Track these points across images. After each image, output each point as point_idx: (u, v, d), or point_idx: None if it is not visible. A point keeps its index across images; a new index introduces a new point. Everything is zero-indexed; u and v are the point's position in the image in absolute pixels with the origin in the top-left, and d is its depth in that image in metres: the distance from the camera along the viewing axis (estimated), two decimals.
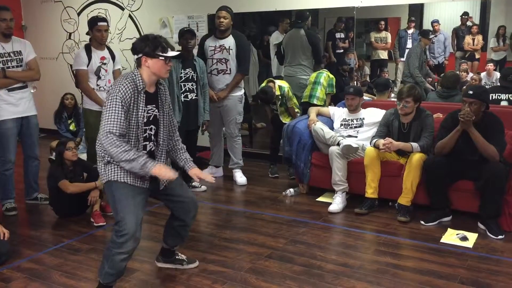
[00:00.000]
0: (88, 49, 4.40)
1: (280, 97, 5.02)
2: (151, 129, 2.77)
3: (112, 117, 2.55)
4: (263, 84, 5.10)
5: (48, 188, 4.22)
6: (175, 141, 2.99)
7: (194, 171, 2.92)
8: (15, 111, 4.22)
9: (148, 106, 2.71)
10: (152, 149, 2.80)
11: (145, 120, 2.70)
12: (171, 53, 2.66)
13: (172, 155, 3.01)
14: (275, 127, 5.28)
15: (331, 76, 5.22)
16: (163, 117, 2.81)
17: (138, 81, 2.64)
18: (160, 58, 2.63)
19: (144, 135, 2.73)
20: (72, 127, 6.13)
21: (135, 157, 2.53)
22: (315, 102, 5.06)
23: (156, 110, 2.77)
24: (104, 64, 4.43)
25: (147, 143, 2.76)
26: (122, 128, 2.57)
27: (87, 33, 4.49)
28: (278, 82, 5.04)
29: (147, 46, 2.63)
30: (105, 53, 4.49)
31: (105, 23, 4.42)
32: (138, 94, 2.64)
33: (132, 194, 2.68)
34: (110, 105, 2.57)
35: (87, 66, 4.36)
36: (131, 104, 2.61)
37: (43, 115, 5.23)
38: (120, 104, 2.56)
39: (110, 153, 2.56)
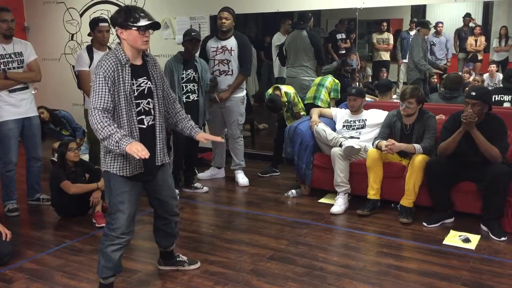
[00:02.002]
0: (89, 50, 4.40)
1: (286, 103, 5.01)
2: (148, 103, 2.71)
3: (96, 93, 2.54)
4: (270, 91, 5.07)
5: (50, 189, 4.22)
6: (177, 112, 2.95)
7: (201, 135, 2.93)
8: (16, 112, 4.23)
9: (139, 80, 2.67)
10: (150, 123, 2.73)
11: (136, 93, 2.65)
12: (142, 22, 2.58)
13: (179, 126, 2.96)
14: (280, 129, 5.27)
15: (337, 81, 5.21)
16: (157, 89, 2.76)
17: (120, 55, 2.62)
18: (133, 28, 2.58)
19: (138, 109, 2.67)
20: (64, 132, 6.10)
21: (110, 133, 2.46)
22: (319, 104, 5.04)
23: (149, 83, 2.72)
24: None
25: (144, 117, 2.70)
26: (105, 103, 2.53)
27: (89, 34, 4.49)
28: (284, 88, 5.02)
29: (120, 17, 2.61)
30: None
31: (106, 24, 4.42)
32: (122, 67, 2.60)
33: (128, 188, 2.69)
34: (94, 82, 2.56)
35: (89, 67, 4.37)
36: (116, 78, 2.57)
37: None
38: (103, 79, 2.54)
39: (93, 129, 2.52)
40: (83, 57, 4.38)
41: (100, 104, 2.52)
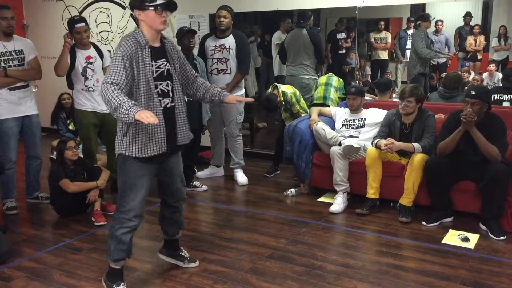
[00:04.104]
0: (72, 50, 4.33)
1: (283, 102, 5.00)
2: (167, 85, 2.74)
3: (111, 69, 2.56)
4: (269, 90, 5.07)
5: (49, 187, 4.22)
6: (201, 85, 2.97)
7: (230, 97, 2.98)
8: (16, 110, 4.22)
9: (158, 61, 2.71)
10: (169, 105, 2.75)
11: (155, 74, 2.68)
12: (159, 1, 2.61)
13: (207, 96, 2.97)
14: (282, 127, 5.26)
15: (341, 80, 5.22)
16: (175, 71, 2.80)
17: (139, 37, 2.65)
18: (150, 8, 2.60)
19: (156, 90, 2.69)
20: (71, 126, 6.13)
21: (120, 103, 2.41)
22: (330, 104, 5.03)
23: (168, 65, 2.75)
24: (91, 63, 4.37)
25: (162, 99, 2.72)
26: (117, 77, 2.53)
27: (68, 35, 4.33)
28: (282, 88, 5.00)
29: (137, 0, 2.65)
30: (91, 52, 4.43)
31: (82, 24, 4.33)
32: (142, 49, 2.63)
33: (143, 173, 2.72)
34: (112, 61, 2.59)
35: (72, 67, 4.31)
36: (135, 59, 2.60)
37: (44, 114, 5.23)
38: (120, 58, 2.56)
39: (104, 101, 2.49)
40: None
41: (111, 79, 2.52)
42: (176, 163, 2.95)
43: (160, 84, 2.71)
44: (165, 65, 2.74)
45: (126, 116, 2.40)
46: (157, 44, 2.74)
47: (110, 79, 2.51)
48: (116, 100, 2.42)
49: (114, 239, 2.78)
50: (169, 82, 2.75)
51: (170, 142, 2.77)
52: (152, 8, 2.61)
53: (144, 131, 2.65)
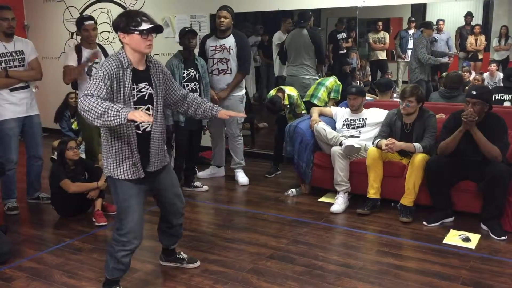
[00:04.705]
0: (78, 49, 4.35)
1: (289, 105, 5.00)
2: (148, 109, 2.67)
3: (91, 84, 2.46)
4: (273, 93, 5.05)
5: (50, 188, 4.22)
6: (192, 101, 2.90)
7: (222, 112, 2.92)
8: (17, 110, 4.22)
9: (140, 85, 2.63)
10: (147, 129, 2.68)
11: (135, 98, 2.60)
12: (144, 26, 2.54)
13: (199, 112, 2.91)
14: (280, 127, 5.27)
15: (338, 82, 5.20)
16: (158, 95, 2.72)
17: (122, 58, 2.58)
18: (135, 32, 2.54)
19: None
20: (74, 125, 6.15)
21: (107, 107, 2.30)
22: (315, 102, 5.04)
23: (150, 89, 2.68)
24: (96, 63, 4.36)
25: (140, 122, 2.56)
26: (99, 92, 2.41)
27: (77, 34, 4.40)
28: (287, 91, 4.98)
29: (121, 22, 2.58)
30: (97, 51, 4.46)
31: (91, 22, 4.37)
32: (123, 71, 2.56)
33: (135, 192, 2.68)
34: (92, 79, 2.50)
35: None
36: (116, 80, 2.52)
37: (45, 115, 5.23)
38: (101, 76, 2.47)
39: (85, 112, 2.35)
40: (70, 54, 4.36)
41: (91, 91, 2.40)
42: (165, 179, 2.88)
43: (140, 108, 2.62)
44: (147, 89, 2.66)
45: (117, 117, 2.29)
46: (141, 67, 2.66)
47: (91, 91, 2.40)
48: (101, 106, 2.31)
49: (113, 258, 2.75)
50: (150, 106, 2.68)
51: (146, 167, 2.71)
52: (138, 32, 2.54)
53: (127, 154, 2.61)
